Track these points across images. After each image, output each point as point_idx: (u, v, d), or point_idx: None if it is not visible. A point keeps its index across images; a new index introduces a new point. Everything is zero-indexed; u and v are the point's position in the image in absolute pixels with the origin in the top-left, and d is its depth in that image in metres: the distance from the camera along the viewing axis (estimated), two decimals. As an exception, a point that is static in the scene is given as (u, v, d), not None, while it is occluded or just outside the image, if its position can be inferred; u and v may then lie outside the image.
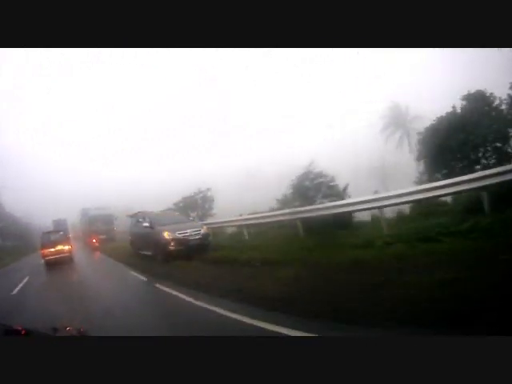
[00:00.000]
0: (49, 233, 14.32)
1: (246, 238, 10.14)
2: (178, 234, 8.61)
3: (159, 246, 8.70)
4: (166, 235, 8.60)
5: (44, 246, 12.80)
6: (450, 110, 8.95)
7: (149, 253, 9.41)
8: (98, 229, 20.40)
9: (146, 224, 9.65)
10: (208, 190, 15.20)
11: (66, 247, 12.99)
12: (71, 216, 26.54)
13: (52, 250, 12.56)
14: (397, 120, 26.58)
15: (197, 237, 8.74)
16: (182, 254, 8.17)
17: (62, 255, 12.59)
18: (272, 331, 3.03)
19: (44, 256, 12.46)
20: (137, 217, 11.31)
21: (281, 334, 2.92)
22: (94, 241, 19.25)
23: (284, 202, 10.56)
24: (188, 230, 8.76)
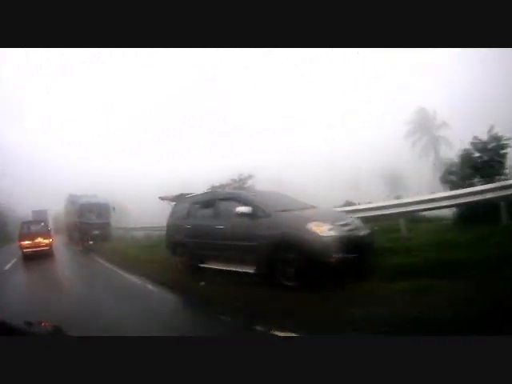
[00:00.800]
0: (29, 223, 13.57)
1: (405, 233, 6.27)
2: (342, 228, 4.39)
3: (300, 253, 4.17)
4: (321, 230, 4.21)
5: (23, 237, 12.07)
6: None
7: (243, 269, 4.83)
8: (90, 222, 15.43)
9: (245, 210, 4.91)
10: (250, 177, 11.70)
11: (47, 240, 12.26)
12: (56, 205, 23.04)
13: (31, 242, 11.92)
14: (423, 126, 26.30)
15: (364, 233, 4.71)
16: (345, 267, 4.07)
17: (41, 248, 11.89)
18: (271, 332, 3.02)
19: (22, 248, 11.87)
20: (192, 200, 6.45)
21: (279, 334, 2.91)
22: (89, 238, 14.41)
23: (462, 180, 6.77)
24: (348, 221, 4.78)
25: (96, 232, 14.93)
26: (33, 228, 12.71)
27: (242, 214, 4.95)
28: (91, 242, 14.01)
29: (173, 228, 6.73)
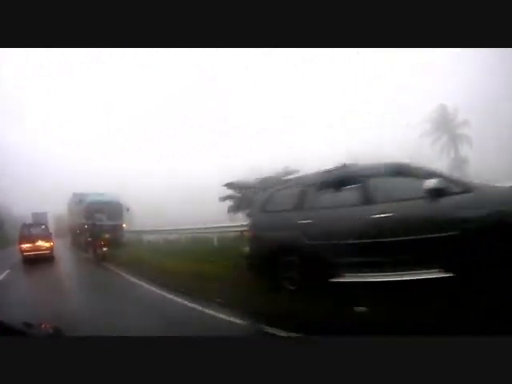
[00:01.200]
0: (29, 225, 13.06)
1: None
2: None
3: None
4: None
5: (23, 240, 11.55)
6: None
7: (431, 275, 3.26)
8: (100, 223, 12.49)
9: (437, 184, 3.36)
10: (295, 171, 10.78)
11: (48, 244, 11.71)
12: (56, 206, 22.14)
13: (31, 245, 11.43)
14: (443, 124, 25.40)
15: None
16: None
17: (42, 252, 11.37)
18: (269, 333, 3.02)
19: (22, 251, 11.37)
20: (307, 181, 4.51)
21: (277, 334, 2.91)
22: (103, 243, 10.92)
23: None
24: None
25: (107, 235, 11.91)
26: (33, 231, 12.25)
27: (431, 192, 3.37)
28: (105, 249, 10.91)
29: (268, 226, 4.41)
